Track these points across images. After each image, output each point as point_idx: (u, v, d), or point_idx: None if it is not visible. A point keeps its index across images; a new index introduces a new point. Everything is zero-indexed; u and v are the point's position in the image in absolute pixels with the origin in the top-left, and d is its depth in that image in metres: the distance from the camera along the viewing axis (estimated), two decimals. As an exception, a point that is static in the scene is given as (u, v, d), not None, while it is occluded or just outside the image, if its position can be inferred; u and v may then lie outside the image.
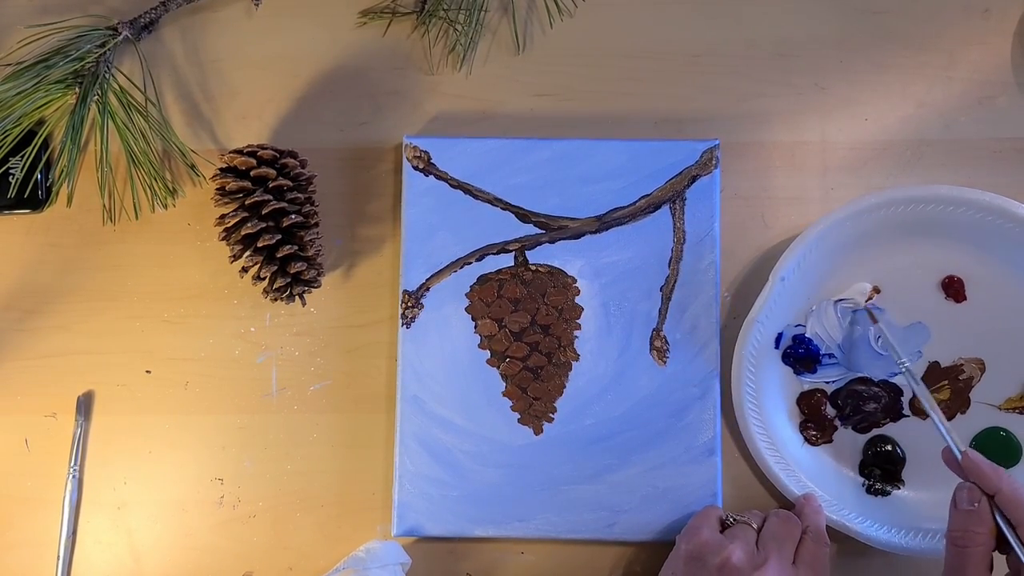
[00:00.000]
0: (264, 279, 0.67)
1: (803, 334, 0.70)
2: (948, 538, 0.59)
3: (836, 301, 0.69)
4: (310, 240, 0.67)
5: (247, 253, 0.66)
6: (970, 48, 0.73)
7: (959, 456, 0.60)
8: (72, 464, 0.70)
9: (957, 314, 0.68)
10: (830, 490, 0.67)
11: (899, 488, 0.69)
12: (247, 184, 0.66)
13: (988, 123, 0.72)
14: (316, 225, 0.69)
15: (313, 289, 0.69)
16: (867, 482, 0.69)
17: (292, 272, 0.67)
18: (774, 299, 0.67)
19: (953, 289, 0.68)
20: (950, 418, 0.68)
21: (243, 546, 0.70)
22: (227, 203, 0.67)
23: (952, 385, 0.69)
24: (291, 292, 0.68)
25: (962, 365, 0.69)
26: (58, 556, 0.69)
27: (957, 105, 0.73)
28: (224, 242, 0.67)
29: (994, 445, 0.68)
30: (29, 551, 0.70)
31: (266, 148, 0.67)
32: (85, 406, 0.71)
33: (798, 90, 0.73)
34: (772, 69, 0.73)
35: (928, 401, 0.63)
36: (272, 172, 0.66)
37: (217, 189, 0.67)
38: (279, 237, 0.66)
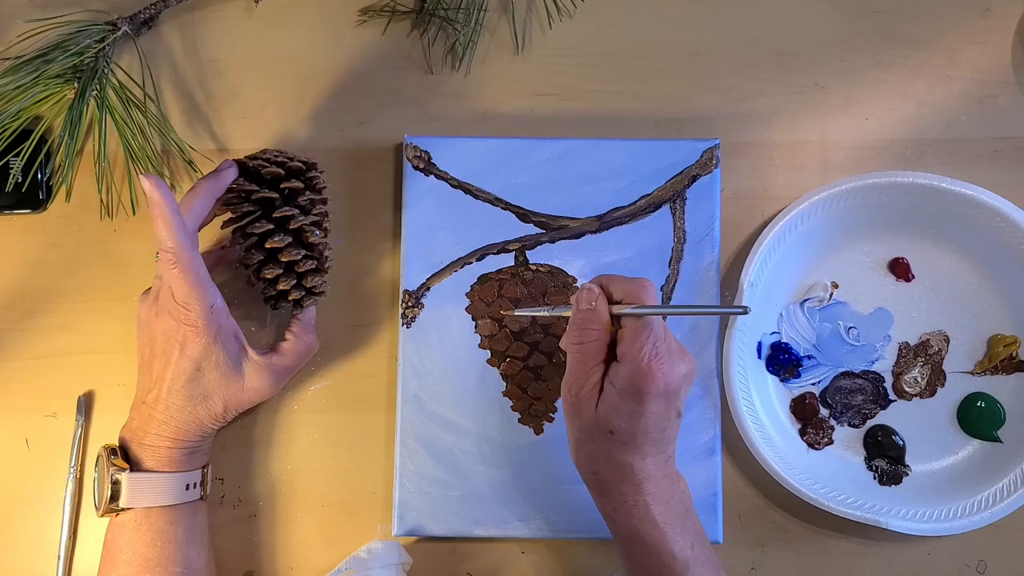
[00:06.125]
0: (284, 291, 0.66)
1: (780, 340, 0.71)
2: (568, 339, 0.59)
3: (802, 303, 0.71)
4: (327, 255, 0.67)
5: (269, 265, 0.65)
6: (970, 48, 0.73)
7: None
8: (72, 464, 0.70)
9: (910, 293, 0.71)
10: (847, 490, 0.68)
11: (907, 472, 0.70)
12: (275, 195, 0.64)
13: (988, 123, 0.72)
14: (327, 235, 0.68)
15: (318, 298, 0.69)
16: (876, 474, 0.70)
17: (308, 286, 0.67)
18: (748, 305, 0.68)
19: (901, 269, 0.71)
20: (931, 395, 0.70)
21: (243, 546, 0.70)
22: (245, 209, 0.65)
23: (927, 361, 0.70)
24: (300, 303, 0.68)
25: (929, 340, 0.71)
26: (58, 556, 0.69)
27: (957, 105, 0.73)
28: (240, 249, 0.66)
29: (979, 416, 0.70)
30: (29, 551, 0.70)
31: (293, 160, 0.66)
32: (85, 406, 0.71)
33: (798, 90, 0.73)
34: (772, 69, 0.73)
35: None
36: (300, 185, 0.65)
37: (239, 192, 0.65)
38: (303, 253, 0.65)
